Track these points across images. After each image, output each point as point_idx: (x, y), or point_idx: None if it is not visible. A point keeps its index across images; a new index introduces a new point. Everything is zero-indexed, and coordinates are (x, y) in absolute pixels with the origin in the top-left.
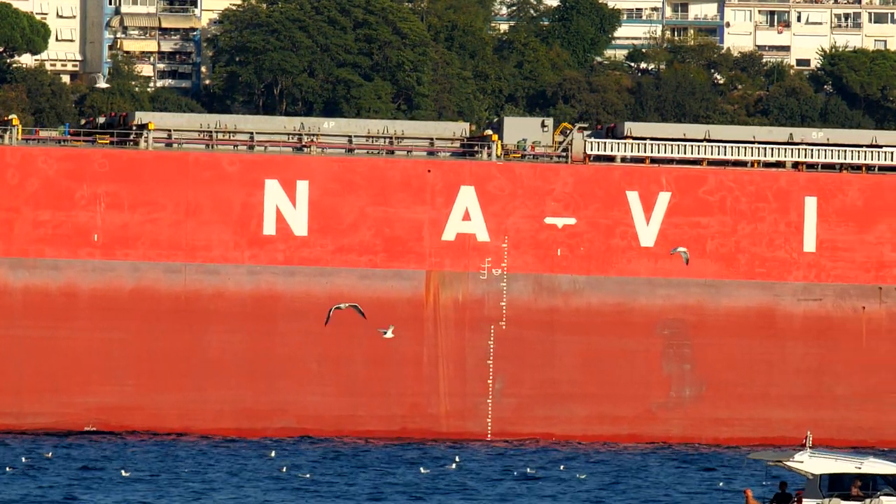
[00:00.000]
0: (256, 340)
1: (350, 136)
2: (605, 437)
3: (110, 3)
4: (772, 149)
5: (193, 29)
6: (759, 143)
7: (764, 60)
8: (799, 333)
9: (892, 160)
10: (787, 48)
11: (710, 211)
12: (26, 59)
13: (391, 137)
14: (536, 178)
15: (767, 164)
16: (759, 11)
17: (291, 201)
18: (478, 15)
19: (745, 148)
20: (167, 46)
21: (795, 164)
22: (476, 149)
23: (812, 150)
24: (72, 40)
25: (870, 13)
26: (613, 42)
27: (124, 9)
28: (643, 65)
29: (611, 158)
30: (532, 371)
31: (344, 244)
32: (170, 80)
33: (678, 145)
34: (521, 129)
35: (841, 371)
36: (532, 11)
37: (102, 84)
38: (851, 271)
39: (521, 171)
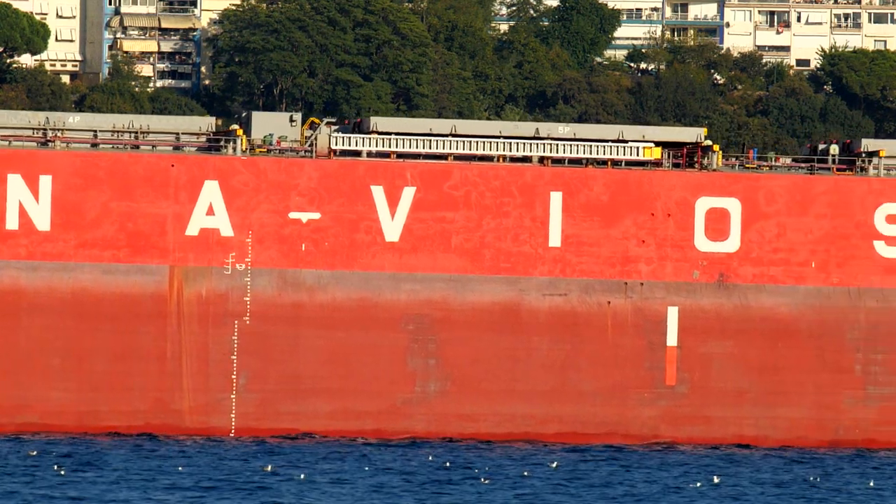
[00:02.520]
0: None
1: (95, 131)
2: (350, 433)
3: (110, 3)
4: (518, 143)
5: (193, 29)
6: (506, 137)
7: (764, 61)
8: (544, 328)
9: (638, 155)
10: (786, 48)
11: (456, 206)
12: (26, 59)
13: (136, 132)
14: (281, 173)
15: (514, 159)
16: (759, 11)
17: (34, 196)
18: (478, 15)
19: (492, 142)
20: (167, 46)
21: (542, 159)
22: (222, 144)
23: (558, 145)
24: (72, 40)
25: (870, 13)
26: (613, 42)
27: (124, 9)
28: (643, 65)
29: (357, 153)
30: (276, 366)
31: (87, 239)
32: (170, 81)
33: (424, 140)
34: (270, 123)
35: (586, 366)
36: (532, 11)
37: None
38: (597, 266)
39: (265, 166)
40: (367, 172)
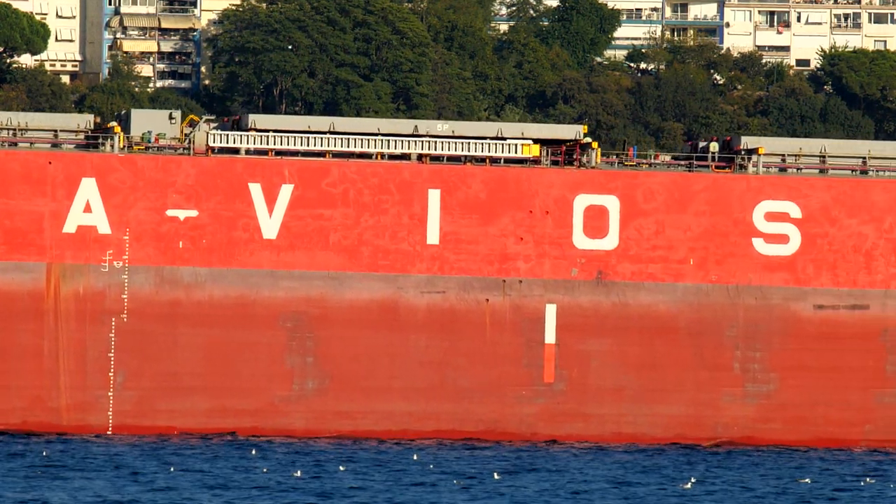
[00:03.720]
0: None
1: None
2: (228, 430)
3: (110, 4)
4: (397, 141)
5: (193, 29)
6: (384, 135)
7: (764, 61)
8: (422, 326)
9: (516, 153)
10: (786, 48)
11: (334, 203)
12: (26, 59)
13: (14, 129)
14: (158, 171)
15: (393, 157)
16: (759, 12)
17: None
18: (477, 15)
19: (370, 140)
20: (167, 47)
21: (420, 157)
22: (100, 141)
23: (437, 142)
24: (71, 40)
25: (869, 13)
26: (613, 42)
27: (124, 9)
28: (643, 65)
29: (235, 151)
30: (154, 364)
31: None
32: (169, 81)
33: (302, 137)
34: (149, 121)
35: (464, 364)
36: (532, 11)
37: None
38: (475, 264)
39: (143, 164)
40: (245, 170)
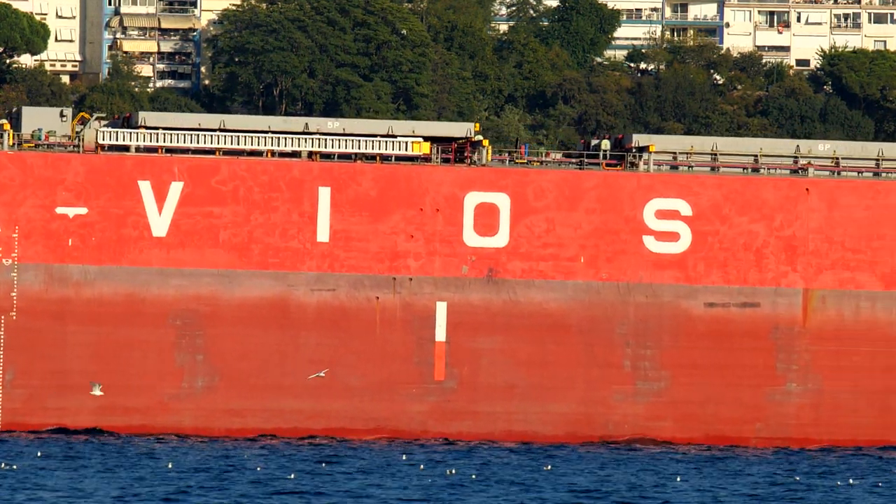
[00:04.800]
0: None
1: None
2: (119, 428)
3: (110, 4)
4: (287, 138)
5: (193, 29)
6: (275, 132)
7: (763, 61)
8: (312, 323)
9: (407, 150)
10: (786, 48)
11: (224, 201)
12: (26, 60)
13: None
14: (48, 168)
15: (284, 154)
16: (759, 12)
17: None
18: (477, 15)
19: (261, 138)
20: (167, 47)
21: (311, 154)
22: None
23: (327, 139)
24: (71, 41)
25: (869, 13)
26: (613, 42)
27: (124, 9)
28: (643, 65)
29: (125, 148)
30: (43, 362)
31: None
32: (169, 81)
33: (192, 135)
34: (40, 118)
35: (354, 361)
36: (532, 12)
37: None
38: (365, 261)
39: (32, 161)
40: (135, 167)
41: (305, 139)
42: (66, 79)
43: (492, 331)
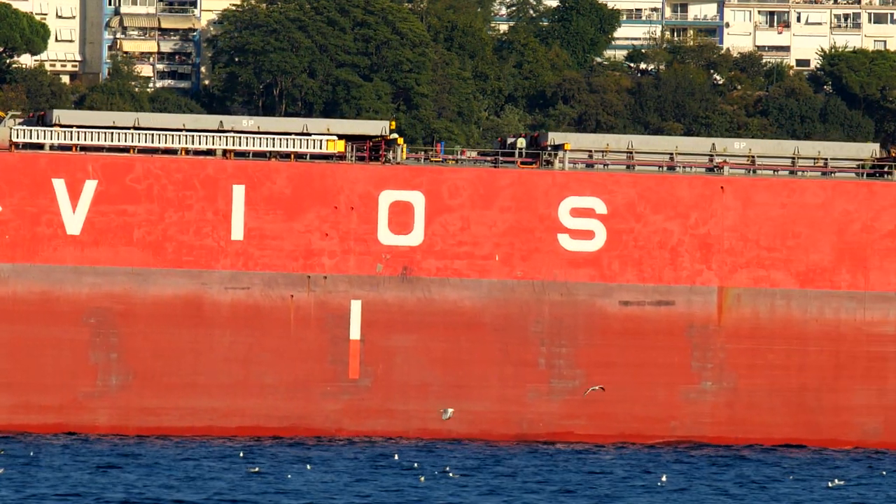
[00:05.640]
0: None
1: None
2: (32, 427)
3: (110, 4)
4: (202, 136)
5: (193, 29)
6: (189, 130)
7: (763, 61)
8: (227, 322)
9: (321, 148)
10: (786, 48)
11: (138, 199)
12: (26, 60)
13: None
14: None
15: (199, 152)
16: (759, 12)
17: None
18: (477, 15)
19: (175, 136)
20: (167, 47)
21: (225, 152)
22: None
23: (242, 137)
24: (71, 41)
25: (869, 13)
26: (613, 42)
27: (124, 9)
28: (643, 65)
29: (40, 146)
30: None
31: None
32: (169, 81)
33: (107, 133)
34: None
35: (269, 360)
36: (532, 12)
37: None
38: (280, 260)
39: None
40: (49, 165)
41: (220, 137)
42: (66, 79)
43: (406, 329)
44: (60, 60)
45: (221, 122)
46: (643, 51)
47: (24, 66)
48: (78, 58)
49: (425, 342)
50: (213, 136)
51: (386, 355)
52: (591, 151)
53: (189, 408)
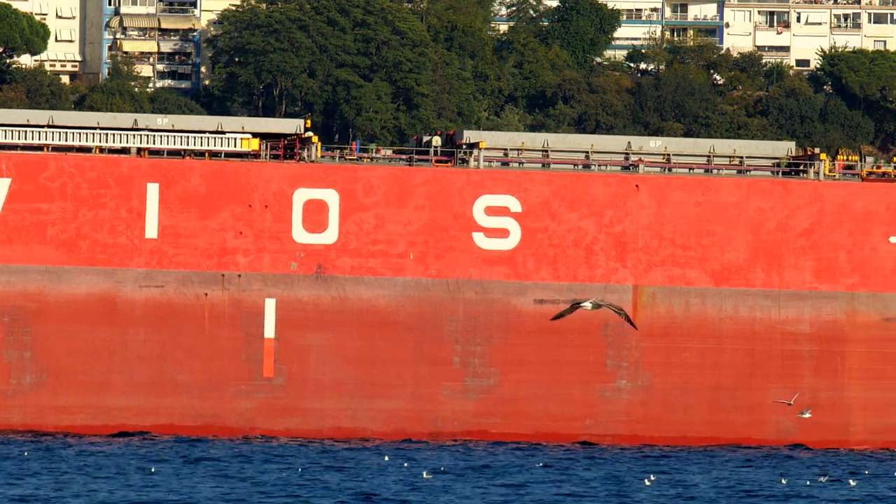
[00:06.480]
0: None
1: None
2: None
3: (110, 4)
4: (116, 135)
5: (193, 30)
6: (103, 129)
7: (763, 61)
8: (141, 320)
9: (236, 146)
10: (786, 48)
11: (52, 197)
12: (26, 60)
13: None
14: None
15: (113, 151)
16: (759, 12)
17: None
18: (477, 15)
19: (90, 134)
20: (167, 47)
21: (140, 151)
22: None
23: (156, 136)
24: (71, 41)
25: (869, 13)
26: (613, 43)
27: (124, 9)
28: (643, 65)
29: None
30: None
31: None
32: (169, 81)
33: (21, 131)
34: None
35: (183, 358)
36: (531, 12)
37: None
38: (194, 258)
39: None
40: None
41: (134, 135)
42: (65, 79)
43: (321, 327)
44: (60, 60)
45: (136, 120)
46: (643, 51)
47: (23, 67)
48: (78, 58)
49: (340, 341)
50: (128, 135)
51: (300, 354)
52: (506, 150)
53: (102, 406)
